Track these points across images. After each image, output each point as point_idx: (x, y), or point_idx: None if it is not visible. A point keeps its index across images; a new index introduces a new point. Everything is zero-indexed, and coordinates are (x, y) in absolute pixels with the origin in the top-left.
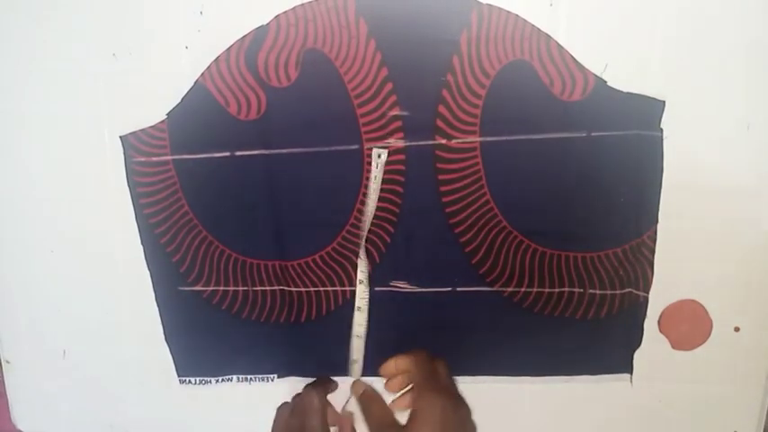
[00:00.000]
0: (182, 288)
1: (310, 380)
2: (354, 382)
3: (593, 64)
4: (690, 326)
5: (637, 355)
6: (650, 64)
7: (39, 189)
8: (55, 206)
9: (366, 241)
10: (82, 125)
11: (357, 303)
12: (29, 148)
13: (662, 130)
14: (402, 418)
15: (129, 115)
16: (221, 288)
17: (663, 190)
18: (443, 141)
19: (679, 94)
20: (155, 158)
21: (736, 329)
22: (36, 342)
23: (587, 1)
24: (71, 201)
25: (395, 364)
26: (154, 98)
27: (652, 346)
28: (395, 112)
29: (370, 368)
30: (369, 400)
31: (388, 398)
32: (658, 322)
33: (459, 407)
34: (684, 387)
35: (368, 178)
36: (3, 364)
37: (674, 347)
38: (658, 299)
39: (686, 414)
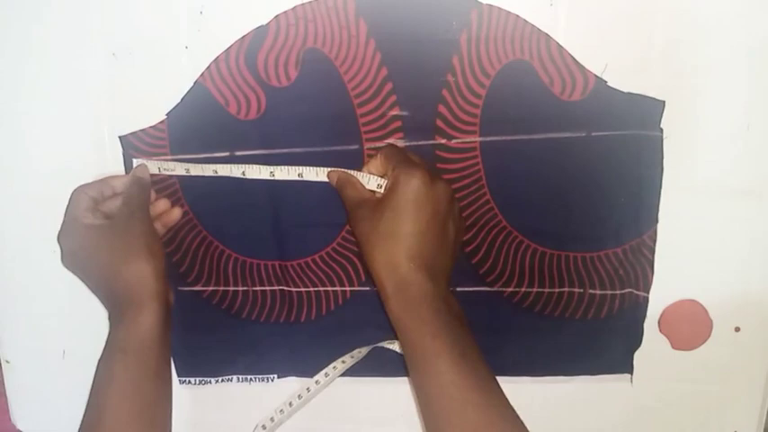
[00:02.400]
0: (181, 288)
1: (308, 380)
2: (329, 172)
3: (593, 64)
4: (690, 326)
5: (637, 355)
6: (650, 64)
7: (39, 189)
8: (55, 206)
9: None
10: (82, 125)
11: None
12: (29, 147)
13: (662, 130)
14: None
15: (128, 115)
16: (221, 288)
17: (663, 190)
18: (443, 141)
19: (679, 94)
20: (154, 158)
21: (737, 329)
22: (36, 342)
23: (587, 0)
24: None
25: (368, 170)
26: (154, 98)
27: (652, 346)
28: (395, 111)
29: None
30: (344, 182)
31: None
32: (658, 322)
33: (436, 182)
34: (684, 387)
35: None
36: (2, 363)
37: (674, 347)
38: (658, 299)
39: (686, 414)
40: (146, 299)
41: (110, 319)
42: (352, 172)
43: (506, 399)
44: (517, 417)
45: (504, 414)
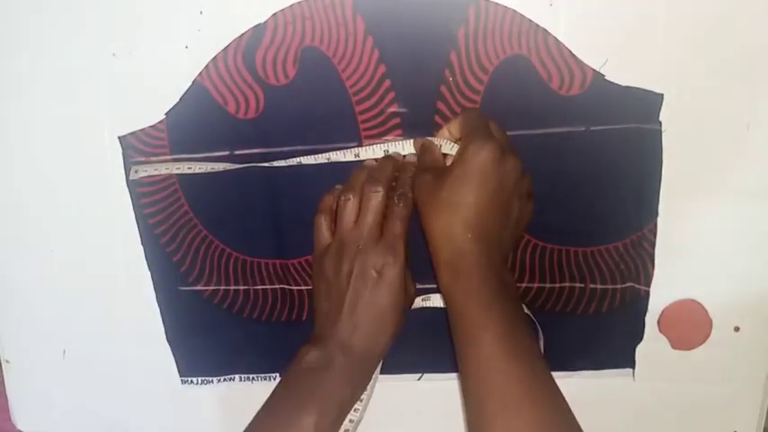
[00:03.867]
0: (182, 288)
1: None
2: (414, 141)
3: (592, 58)
4: (690, 326)
5: (637, 354)
6: (649, 61)
7: (38, 189)
8: (54, 206)
9: None
10: (82, 125)
11: None
12: (28, 147)
13: (660, 123)
14: None
15: (128, 115)
16: (222, 287)
17: (663, 189)
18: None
19: (678, 92)
20: (154, 158)
21: (736, 329)
22: (36, 342)
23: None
24: (71, 201)
25: (448, 130)
26: (153, 98)
27: (652, 346)
28: (393, 108)
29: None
30: (426, 148)
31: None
32: (658, 322)
33: (506, 157)
34: (684, 387)
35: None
36: (2, 363)
37: (673, 347)
38: (658, 299)
39: (686, 414)
40: None
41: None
42: (434, 138)
43: (551, 377)
44: (561, 396)
45: (547, 391)
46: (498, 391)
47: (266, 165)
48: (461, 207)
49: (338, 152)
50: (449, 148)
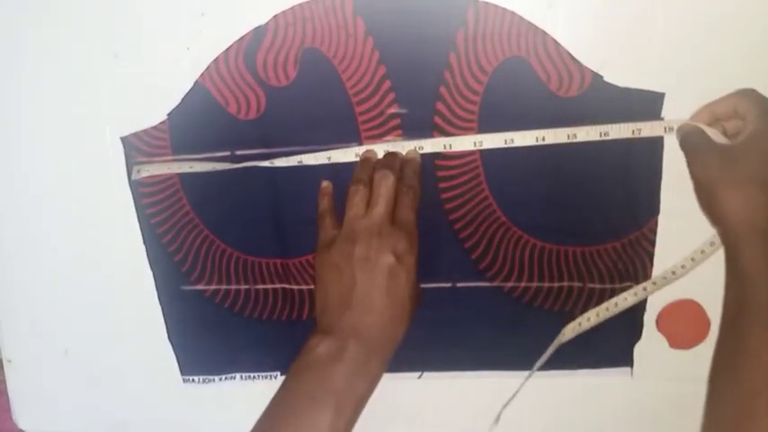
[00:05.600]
0: (184, 287)
1: None
2: (680, 126)
3: (591, 60)
4: (688, 325)
5: (635, 354)
6: (648, 62)
7: (40, 189)
8: (57, 206)
9: None
10: (84, 125)
11: None
12: (30, 148)
13: (663, 120)
14: None
15: (130, 116)
16: (223, 287)
17: (662, 189)
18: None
19: (678, 92)
20: (156, 159)
21: None
22: (37, 341)
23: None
24: (73, 201)
25: (709, 111)
26: (155, 99)
27: (650, 345)
28: (393, 109)
29: None
30: (687, 133)
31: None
32: (656, 321)
33: None
34: (683, 386)
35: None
36: (4, 362)
37: (672, 346)
38: (656, 298)
39: (685, 413)
40: None
41: None
42: (699, 125)
43: None
44: None
45: None
46: None
47: (267, 164)
48: (766, 184)
49: (339, 151)
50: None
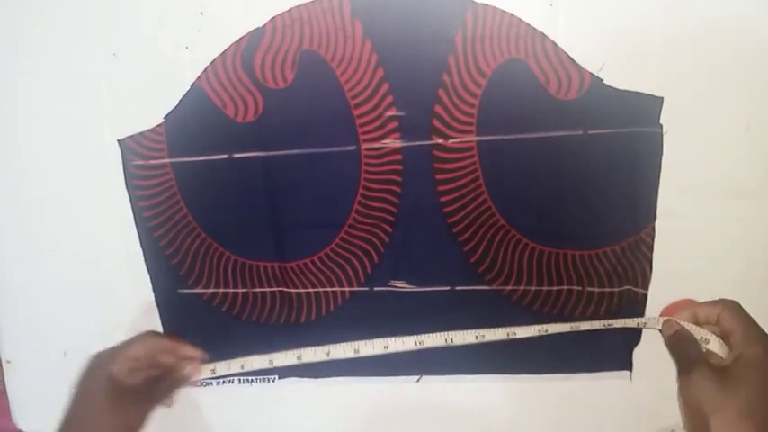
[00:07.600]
0: (181, 290)
1: (309, 380)
2: (666, 321)
3: (590, 62)
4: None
5: (636, 353)
6: (647, 65)
7: (39, 190)
8: (55, 207)
9: (364, 242)
10: (83, 125)
11: None
12: (29, 149)
13: (661, 126)
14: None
15: (129, 116)
16: (221, 290)
17: (661, 189)
18: (440, 141)
19: (677, 94)
20: (153, 161)
21: None
22: (37, 342)
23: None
24: (72, 202)
25: (692, 313)
26: (152, 101)
27: (651, 346)
28: (391, 112)
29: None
30: (681, 338)
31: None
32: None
33: None
34: None
35: (366, 179)
36: (4, 363)
37: None
38: (657, 299)
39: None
40: None
41: None
42: (685, 324)
43: None
44: None
45: None
46: None
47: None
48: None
49: (366, 343)
50: (716, 345)
